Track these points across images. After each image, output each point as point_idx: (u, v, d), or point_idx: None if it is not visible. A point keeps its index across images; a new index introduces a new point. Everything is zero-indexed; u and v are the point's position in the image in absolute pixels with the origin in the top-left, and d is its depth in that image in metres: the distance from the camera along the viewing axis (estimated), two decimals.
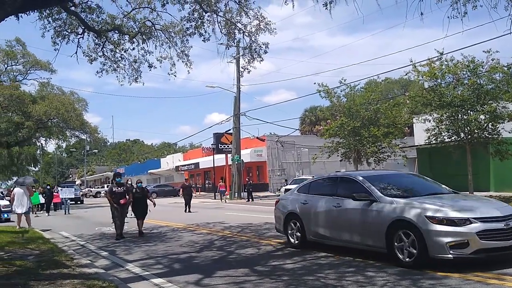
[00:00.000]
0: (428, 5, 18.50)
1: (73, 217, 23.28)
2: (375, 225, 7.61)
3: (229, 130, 37.80)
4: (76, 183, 61.32)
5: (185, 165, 54.25)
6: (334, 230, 8.63)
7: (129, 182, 17.26)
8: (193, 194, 24.22)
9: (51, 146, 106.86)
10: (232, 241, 11.21)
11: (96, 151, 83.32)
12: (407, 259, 7.07)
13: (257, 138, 41.29)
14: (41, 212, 27.47)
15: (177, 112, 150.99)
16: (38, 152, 57.40)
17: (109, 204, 13.13)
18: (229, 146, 38.13)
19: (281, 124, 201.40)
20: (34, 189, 29.03)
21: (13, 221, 18.04)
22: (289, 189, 26.83)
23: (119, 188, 12.93)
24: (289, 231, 9.77)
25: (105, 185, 63.21)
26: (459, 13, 9.01)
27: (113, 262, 9.11)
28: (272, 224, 14.54)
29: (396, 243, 7.24)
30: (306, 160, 41.39)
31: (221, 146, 39.64)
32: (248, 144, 41.49)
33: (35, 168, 72.12)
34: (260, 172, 45.31)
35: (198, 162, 49.76)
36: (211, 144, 41.92)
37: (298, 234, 9.46)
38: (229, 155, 38.49)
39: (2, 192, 35.86)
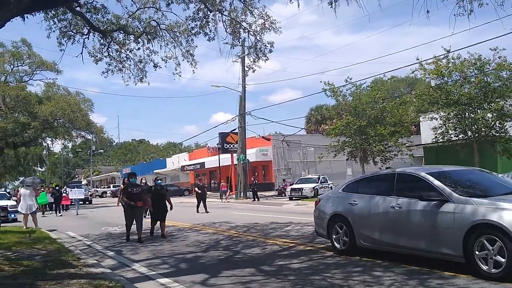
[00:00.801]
0: (434, 3, 18.38)
1: (79, 217, 23.37)
2: (449, 230, 6.52)
3: (235, 129, 37.81)
4: (83, 183, 61.52)
5: (190, 165, 54.33)
6: (393, 235, 7.51)
7: (143, 181, 17.02)
8: (206, 194, 23.00)
9: (57, 147, 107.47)
10: (238, 241, 11.19)
11: (102, 151, 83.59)
12: (493, 270, 6.01)
13: (262, 137, 41.29)
14: (50, 212, 27.30)
15: (182, 112, 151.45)
16: (44, 152, 57.58)
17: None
18: (235, 145, 38.13)
19: (287, 124, 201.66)
20: (42, 189, 29.19)
21: (20, 221, 18.11)
22: (296, 188, 26.29)
23: (134, 189, 12.01)
24: (334, 236, 8.67)
25: (111, 185, 63.45)
26: (465, 10, 8.97)
27: (119, 262, 9.12)
28: (278, 224, 14.57)
29: (477, 251, 6.18)
30: (312, 159, 41.35)
31: (226, 146, 39.66)
32: (253, 144, 41.47)
33: (42, 168, 72.52)
34: (266, 171, 45.29)
35: (204, 162, 49.82)
36: (217, 144, 41.95)
37: (346, 238, 8.37)
38: (234, 155, 38.50)
39: (9, 193, 36.05)
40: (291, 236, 11.71)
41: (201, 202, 21.93)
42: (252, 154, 40.13)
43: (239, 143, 36.20)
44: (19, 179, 63.89)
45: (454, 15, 8.97)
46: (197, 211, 21.73)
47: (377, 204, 7.86)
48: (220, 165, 41.17)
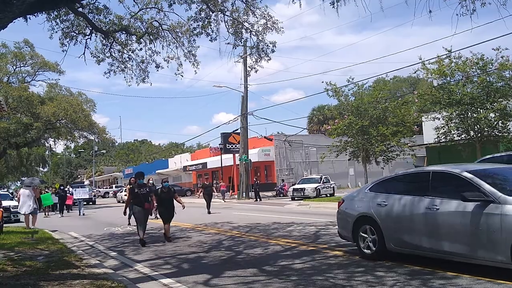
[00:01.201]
0: (436, 3, 18.36)
1: (81, 217, 23.36)
2: (495, 233, 5.99)
3: (237, 129, 37.84)
4: (85, 183, 61.69)
5: (192, 165, 54.37)
6: (431, 239, 6.89)
7: (151, 182, 16.85)
8: (213, 194, 22.49)
9: (59, 147, 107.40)
10: (240, 241, 11.19)
11: (104, 151, 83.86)
12: None
13: (264, 137, 41.30)
14: (54, 213, 27.03)
15: (184, 112, 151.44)
16: (47, 153, 57.87)
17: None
18: (237, 145, 38.16)
19: (289, 124, 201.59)
20: (46, 190, 29.11)
21: (23, 222, 18.14)
22: (298, 188, 26.16)
23: (142, 189, 11.52)
24: (361, 239, 8.07)
25: (114, 186, 63.52)
26: (467, 10, 8.95)
27: (122, 263, 9.13)
28: (280, 224, 14.57)
29: None
30: (314, 159, 41.37)
31: (228, 146, 39.68)
32: (255, 144, 41.48)
33: (44, 169, 72.84)
34: (268, 171, 45.30)
35: (206, 162, 49.85)
36: (219, 144, 41.98)
37: (374, 242, 7.78)
38: (236, 155, 38.51)
39: (11, 193, 36.13)
40: (293, 236, 11.71)
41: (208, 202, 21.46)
42: (254, 154, 40.14)
43: (241, 143, 36.21)
44: (21, 180, 64.10)
45: (457, 15, 8.96)
46: (208, 212, 20.93)
47: (411, 205, 7.26)
48: (222, 166, 41.19)
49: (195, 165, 53.55)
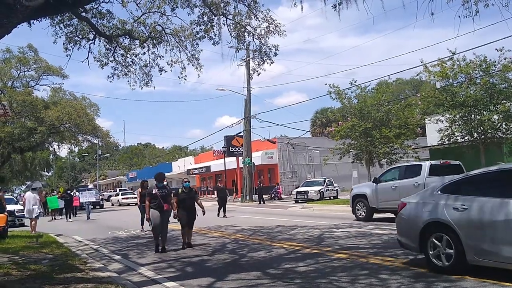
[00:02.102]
0: (439, 5, 18.37)
1: (86, 221, 23.36)
2: None
3: (240, 132, 37.85)
4: (89, 187, 61.77)
5: (196, 168, 54.41)
6: None
7: (165, 183, 16.87)
8: (227, 197, 21.76)
9: (63, 151, 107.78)
10: (244, 244, 11.19)
11: (108, 155, 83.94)
12: None
13: (268, 140, 41.28)
14: (60, 217, 26.65)
15: (188, 116, 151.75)
16: (51, 157, 57.95)
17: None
18: (240, 149, 38.17)
19: (292, 126, 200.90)
20: (53, 193, 29.00)
21: (27, 226, 18.19)
22: (302, 191, 25.85)
23: (161, 191, 10.72)
24: (432, 249, 6.92)
25: (117, 189, 63.53)
26: (470, 12, 8.95)
27: (126, 266, 9.15)
28: (284, 227, 14.55)
29: None
30: (318, 162, 41.30)
31: (232, 149, 39.69)
32: (259, 147, 41.49)
33: (48, 173, 72.92)
34: (272, 174, 45.27)
35: (209, 165, 49.88)
36: (222, 147, 42.01)
37: (449, 252, 6.63)
38: (240, 158, 38.53)
39: (16, 197, 36.24)
40: (297, 239, 11.70)
41: (223, 205, 20.79)
42: (257, 157, 40.14)
43: (245, 146, 36.23)
44: (26, 184, 64.25)
45: (459, 16, 8.97)
46: (218, 215, 20.41)
47: (501, 209, 6.13)
48: (226, 169, 41.19)
49: (199, 168, 53.58)
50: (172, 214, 11.01)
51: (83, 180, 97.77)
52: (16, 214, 20.97)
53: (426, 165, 15.02)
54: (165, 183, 12.71)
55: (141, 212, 16.02)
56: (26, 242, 13.40)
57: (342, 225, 14.55)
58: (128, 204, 41.02)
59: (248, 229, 14.51)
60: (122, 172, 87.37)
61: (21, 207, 20.91)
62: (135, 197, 47.87)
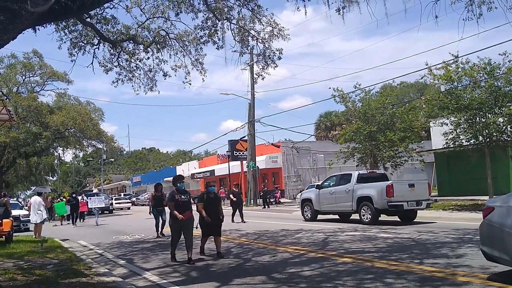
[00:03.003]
0: (442, 8, 18.37)
1: (90, 226, 23.33)
2: None
3: (244, 137, 37.88)
4: (94, 191, 61.87)
5: (200, 173, 54.44)
6: None
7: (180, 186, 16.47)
8: (243, 202, 21.27)
9: (68, 156, 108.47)
10: (248, 248, 11.17)
11: (112, 160, 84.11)
12: None
13: (272, 144, 41.26)
14: (67, 222, 26.11)
15: (192, 120, 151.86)
16: (56, 162, 58.06)
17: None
18: (244, 153, 38.18)
19: (296, 130, 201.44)
20: (60, 198, 28.87)
21: (32, 231, 18.23)
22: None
23: (183, 196, 9.77)
24: None
25: (122, 194, 63.63)
26: (474, 15, 8.93)
27: (130, 271, 9.14)
28: (288, 231, 14.52)
29: None
30: (322, 166, 41.20)
31: (236, 153, 39.70)
32: (263, 151, 41.47)
33: (53, 177, 73.10)
34: (276, 178, 45.22)
35: (214, 170, 49.89)
36: (226, 151, 42.02)
37: None
38: (244, 162, 38.52)
39: (21, 202, 36.33)
40: (302, 243, 11.67)
41: (237, 210, 20.14)
42: (261, 161, 40.12)
43: (249, 150, 36.24)
44: (31, 189, 64.43)
45: (463, 19, 8.95)
46: (232, 220, 19.60)
47: None
48: (230, 173, 41.18)
49: (203, 172, 53.60)
50: (199, 221, 10.10)
51: (87, 184, 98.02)
52: (21, 219, 21.00)
53: (355, 174, 17.46)
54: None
55: (154, 217, 15.72)
56: (31, 247, 13.43)
57: (347, 229, 14.51)
58: (121, 209, 44.41)
59: (252, 233, 14.49)
60: (126, 176, 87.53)
61: (26, 212, 20.96)
62: (128, 202, 48.38)
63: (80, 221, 25.89)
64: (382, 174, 18.49)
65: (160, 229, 15.47)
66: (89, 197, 28.20)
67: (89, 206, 25.84)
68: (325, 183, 18.79)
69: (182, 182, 10.17)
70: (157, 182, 18.04)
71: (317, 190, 18.60)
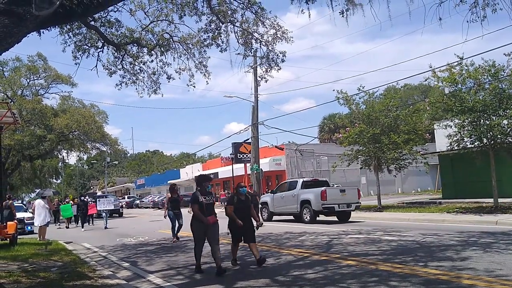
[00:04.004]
0: (446, 10, 18.30)
1: (94, 228, 23.34)
2: None
3: (248, 139, 37.85)
4: (98, 194, 61.98)
5: None
6: None
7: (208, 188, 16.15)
8: (259, 204, 20.92)
9: (72, 159, 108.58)
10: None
11: (116, 162, 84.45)
12: None
13: (275, 147, 41.24)
14: (75, 225, 25.69)
15: (196, 122, 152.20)
16: (60, 164, 58.29)
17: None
18: (248, 155, 38.16)
19: (300, 133, 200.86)
20: (66, 200, 28.78)
21: (37, 233, 18.28)
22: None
23: (207, 198, 8.72)
24: None
25: (126, 196, 63.79)
26: (478, 17, 8.92)
27: (134, 273, 9.14)
28: (292, 234, 14.49)
29: None
30: (326, 168, 41.18)
31: (239, 156, 39.70)
32: (266, 153, 41.45)
33: (57, 180, 73.33)
34: (280, 181, 45.17)
35: (217, 172, 49.89)
36: (230, 154, 42.01)
37: None
38: (248, 165, 38.50)
39: (25, 205, 36.44)
40: (305, 246, 11.65)
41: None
42: (265, 164, 40.10)
43: (252, 152, 36.22)
44: (35, 191, 64.63)
45: (467, 21, 8.94)
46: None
47: None
48: (234, 175, 41.18)
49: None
50: (228, 227, 9.21)
51: (91, 187, 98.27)
52: (26, 221, 21.06)
53: (300, 181, 20.69)
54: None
55: (171, 220, 14.97)
56: (35, 249, 13.46)
57: (350, 231, 14.48)
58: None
59: (256, 236, 14.44)
60: (130, 179, 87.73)
61: (31, 215, 21.01)
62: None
63: (88, 224, 24.94)
64: (324, 181, 21.52)
65: (175, 233, 14.85)
66: (98, 199, 27.20)
67: (98, 208, 24.92)
68: (278, 189, 21.89)
69: (209, 184, 9.07)
70: (172, 183, 17.90)
71: (272, 194, 21.71)
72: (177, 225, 14.87)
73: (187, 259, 10.59)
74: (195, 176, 9.35)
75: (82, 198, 26.38)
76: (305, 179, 21.08)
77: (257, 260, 8.92)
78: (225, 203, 9.69)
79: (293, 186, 20.48)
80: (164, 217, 15.51)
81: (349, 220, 19.09)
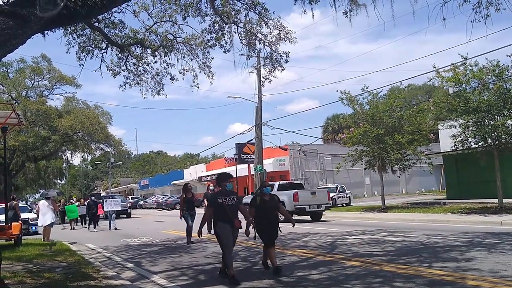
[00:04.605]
0: (450, 10, 18.29)
1: (99, 229, 23.03)
2: None
3: (251, 140, 37.86)
4: (102, 194, 62.08)
5: (208, 176, 54.51)
6: None
7: (211, 188, 15.95)
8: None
9: (76, 159, 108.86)
10: (256, 252, 11.15)
11: (120, 163, 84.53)
12: None
13: (279, 147, 41.23)
14: (83, 226, 25.27)
15: (199, 123, 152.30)
16: (64, 165, 58.45)
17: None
18: (252, 156, 38.17)
19: (304, 133, 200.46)
20: (71, 201, 28.79)
21: (41, 234, 18.33)
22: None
23: (228, 199, 7.83)
24: None
25: (130, 197, 63.90)
26: (482, 16, 8.88)
27: (138, 274, 9.16)
28: (296, 234, 14.47)
29: None
30: (330, 169, 41.14)
31: (243, 156, 39.73)
32: (270, 154, 41.45)
33: (61, 181, 73.53)
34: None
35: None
36: (234, 154, 42.05)
37: None
38: (251, 165, 38.51)
39: (30, 205, 36.55)
40: (309, 246, 11.64)
41: None
42: (269, 164, 40.09)
43: (256, 153, 36.19)
44: (39, 192, 64.79)
45: (471, 21, 8.90)
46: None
47: None
48: (237, 176, 41.19)
49: (210, 175, 53.64)
50: (247, 230, 8.32)
51: (95, 188, 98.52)
52: (30, 222, 21.13)
53: (277, 184, 21.99)
54: (211, 187, 9.47)
55: (186, 221, 14.25)
56: (39, 250, 13.50)
57: (354, 232, 14.45)
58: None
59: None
60: (134, 179, 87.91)
61: (35, 215, 21.07)
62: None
63: (93, 226, 23.59)
64: (299, 184, 23.62)
65: (190, 235, 13.92)
66: (104, 200, 26.43)
67: (104, 209, 23.96)
68: (257, 191, 22.73)
69: (230, 182, 8.08)
70: (185, 182, 17.69)
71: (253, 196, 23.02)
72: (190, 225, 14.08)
73: (191, 259, 10.60)
74: (217, 176, 8.37)
75: (93, 198, 25.69)
76: (281, 182, 22.77)
77: (274, 266, 8.19)
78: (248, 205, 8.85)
79: (271, 188, 21.76)
80: (180, 218, 14.83)
81: (351, 221, 18.92)
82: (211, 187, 16.31)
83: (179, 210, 15.05)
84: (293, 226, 9.12)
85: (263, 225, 8.31)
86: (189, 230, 13.87)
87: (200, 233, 8.04)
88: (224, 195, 7.85)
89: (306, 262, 9.36)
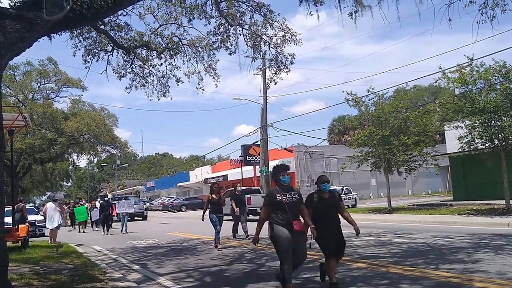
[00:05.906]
0: (456, 11, 18.24)
1: (111, 232, 22.01)
2: None
3: (257, 141, 37.86)
4: (109, 196, 62.23)
5: (213, 178, 54.56)
6: None
7: (238, 189, 16.04)
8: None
9: (83, 162, 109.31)
10: (262, 254, 11.14)
11: (126, 165, 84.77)
12: None
13: (285, 149, 41.19)
14: (98, 228, 24.44)
15: (205, 125, 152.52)
16: (71, 167, 58.67)
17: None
18: (257, 157, 38.17)
19: (309, 135, 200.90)
20: (80, 203, 28.73)
21: (48, 236, 18.41)
22: None
23: (289, 196, 6.49)
24: None
25: (147, 197, 63.88)
26: (488, 17, 8.84)
27: (145, 276, 9.17)
28: None
29: None
30: (335, 170, 41.04)
31: (249, 158, 39.73)
32: (276, 156, 41.41)
33: (68, 183, 73.86)
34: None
35: (227, 174, 49.96)
36: (239, 156, 42.06)
37: None
38: (257, 167, 38.51)
39: (36, 207, 36.70)
40: (315, 248, 11.54)
41: None
42: None
43: (262, 155, 36.18)
44: (46, 194, 65.12)
45: (477, 22, 8.86)
46: None
47: None
48: (243, 177, 41.19)
49: (216, 177, 53.70)
50: (309, 238, 6.79)
51: (101, 190, 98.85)
52: (37, 224, 21.20)
53: (238, 189, 20.85)
54: (238, 189, 9.29)
55: (213, 224, 13.16)
56: (46, 252, 13.56)
57: (361, 234, 14.36)
58: None
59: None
60: (140, 181, 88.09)
61: (42, 218, 21.16)
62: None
63: (107, 230, 22.15)
64: (256, 189, 28.43)
65: (217, 240, 12.99)
66: (117, 201, 25.48)
67: (117, 211, 22.99)
68: (224, 195, 23.62)
69: (287, 175, 6.63)
70: (213, 182, 17.28)
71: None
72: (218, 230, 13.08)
73: (197, 261, 10.61)
74: (273, 168, 7.01)
75: (107, 199, 24.72)
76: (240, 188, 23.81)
77: (333, 282, 6.82)
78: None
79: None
80: (202, 219, 13.95)
81: (357, 223, 18.19)
82: (238, 188, 16.12)
83: (202, 211, 14.08)
84: (357, 234, 7.32)
85: (323, 229, 6.71)
86: (217, 236, 12.94)
87: (256, 240, 6.75)
88: (284, 192, 6.45)
89: (312, 264, 9.32)
